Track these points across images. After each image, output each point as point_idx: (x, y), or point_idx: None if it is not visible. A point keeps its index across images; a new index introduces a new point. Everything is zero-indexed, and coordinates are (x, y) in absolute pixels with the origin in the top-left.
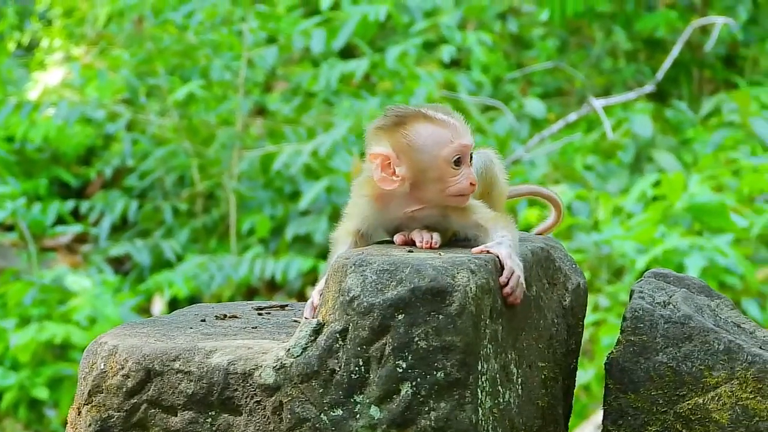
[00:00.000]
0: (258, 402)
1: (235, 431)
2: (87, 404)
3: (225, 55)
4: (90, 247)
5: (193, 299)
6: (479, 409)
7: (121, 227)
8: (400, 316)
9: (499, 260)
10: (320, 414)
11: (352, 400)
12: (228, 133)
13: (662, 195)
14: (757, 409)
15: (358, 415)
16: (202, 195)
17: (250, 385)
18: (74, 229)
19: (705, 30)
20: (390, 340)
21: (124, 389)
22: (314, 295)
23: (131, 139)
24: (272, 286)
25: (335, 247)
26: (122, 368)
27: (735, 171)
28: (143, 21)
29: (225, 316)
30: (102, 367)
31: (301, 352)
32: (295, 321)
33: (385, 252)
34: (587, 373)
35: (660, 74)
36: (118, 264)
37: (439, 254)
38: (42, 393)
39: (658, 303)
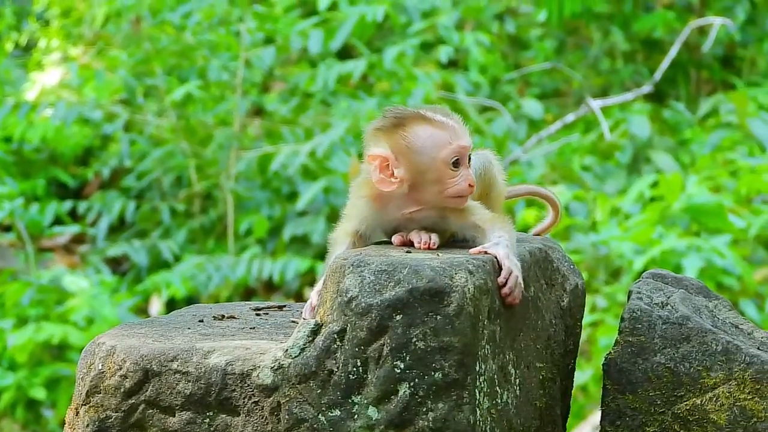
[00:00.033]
0: (256, 402)
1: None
2: (85, 405)
3: (222, 55)
4: (87, 248)
5: (190, 300)
6: (477, 409)
7: (118, 228)
8: (398, 317)
9: (497, 260)
10: (318, 414)
11: (349, 400)
12: (225, 134)
13: (660, 196)
14: (755, 409)
15: (355, 416)
16: (200, 195)
17: (248, 385)
18: (72, 229)
19: (703, 31)
20: (388, 341)
21: (122, 390)
22: (313, 296)
23: (129, 140)
24: (270, 287)
25: (333, 248)
26: (120, 369)
27: (732, 172)
28: (141, 21)
29: (223, 316)
30: (100, 367)
31: (299, 353)
32: (293, 321)
33: (383, 253)
34: (585, 374)
35: (658, 75)
36: (116, 264)
37: (437, 255)
38: (39, 393)
39: (656, 304)
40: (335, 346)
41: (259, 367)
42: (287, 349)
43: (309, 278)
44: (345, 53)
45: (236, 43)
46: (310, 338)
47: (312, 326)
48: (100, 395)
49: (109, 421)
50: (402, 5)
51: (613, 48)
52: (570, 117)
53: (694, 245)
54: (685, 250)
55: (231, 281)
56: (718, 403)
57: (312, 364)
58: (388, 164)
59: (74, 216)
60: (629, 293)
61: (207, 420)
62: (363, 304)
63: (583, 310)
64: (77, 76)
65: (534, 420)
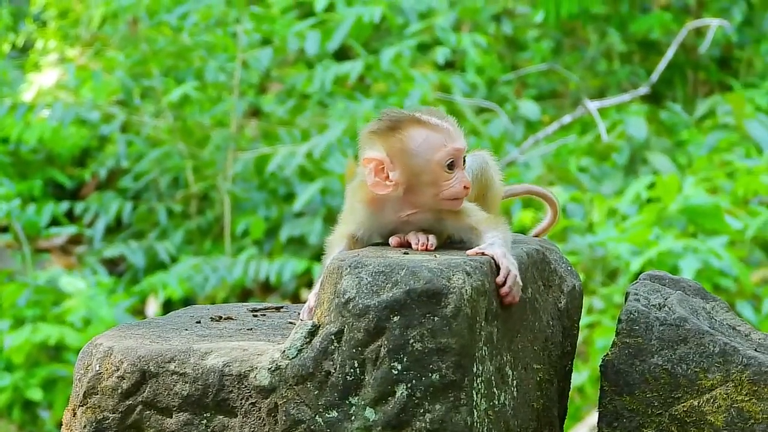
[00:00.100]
0: (253, 404)
1: None
2: (82, 406)
3: (219, 56)
4: (84, 249)
5: (187, 301)
6: (474, 411)
7: (115, 228)
8: (396, 318)
9: (495, 261)
10: (315, 416)
11: (347, 401)
12: (222, 135)
13: (657, 197)
14: (752, 411)
15: (353, 417)
16: (197, 196)
17: (246, 386)
18: (69, 230)
19: (699, 32)
20: (385, 342)
21: (120, 391)
22: (311, 297)
23: (126, 141)
24: (266, 288)
25: (330, 251)
26: (117, 370)
27: (729, 173)
28: (138, 22)
29: (220, 317)
30: (97, 368)
31: (297, 354)
32: (291, 323)
33: (380, 254)
34: (582, 375)
35: (654, 76)
36: (113, 265)
37: (435, 256)
38: (36, 394)
39: (653, 305)
40: (332, 347)
41: (256, 368)
42: (284, 351)
43: (306, 279)
44: (342, 54)
45: (233, 45)
46: (308, 339)
47: (309, 327)
48: (98, 396)
49: (107, 422)
50: (399, 6)
51: (610, 49)
52: (567, 118)
53: (691, 247)
54: (682, 252)
55: (228, 282)
56: (716, 405)
57: (309, 366)
58: (383, 167)
59: (71, 217)
60: (626, 295)
61: (204, 421)
62: (360, 306)
63: (581, 312)
64: (74, 77)
65: (531, 421)
